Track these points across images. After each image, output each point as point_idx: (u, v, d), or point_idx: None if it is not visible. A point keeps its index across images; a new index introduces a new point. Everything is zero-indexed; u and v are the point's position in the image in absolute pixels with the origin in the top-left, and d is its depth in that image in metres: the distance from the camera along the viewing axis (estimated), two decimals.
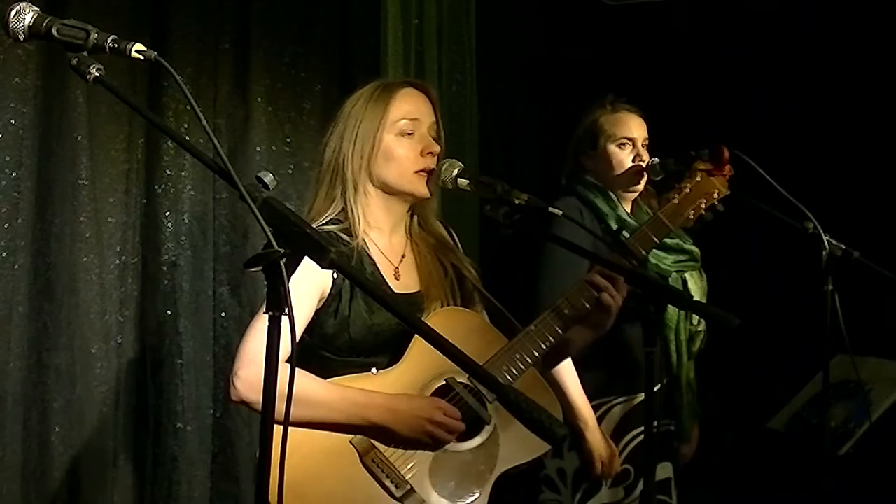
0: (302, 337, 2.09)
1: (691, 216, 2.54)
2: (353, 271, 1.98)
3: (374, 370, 2.12)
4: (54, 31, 1.50)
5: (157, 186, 2.88)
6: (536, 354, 2.14)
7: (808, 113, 3.89)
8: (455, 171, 2.18)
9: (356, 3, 3.40)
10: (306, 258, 1.48)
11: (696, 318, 2.93)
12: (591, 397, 2.78)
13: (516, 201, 2.07)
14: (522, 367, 2.13)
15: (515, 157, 4.05)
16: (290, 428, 1.57)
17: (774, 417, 3.09)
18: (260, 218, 1.43)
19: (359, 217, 2.16)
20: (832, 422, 2.83)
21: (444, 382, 2.13)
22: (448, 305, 2.24)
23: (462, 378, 2.13)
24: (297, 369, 1.57)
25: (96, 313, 2.72)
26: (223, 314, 2.99)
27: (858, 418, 2.87)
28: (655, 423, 2.15)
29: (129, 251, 2.84)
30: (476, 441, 2.13)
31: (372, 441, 2.06)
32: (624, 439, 2.85)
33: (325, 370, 2.10)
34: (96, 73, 1.48)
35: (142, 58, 1.49)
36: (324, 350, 2.14)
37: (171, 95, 2.88)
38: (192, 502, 2.87)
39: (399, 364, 2.13)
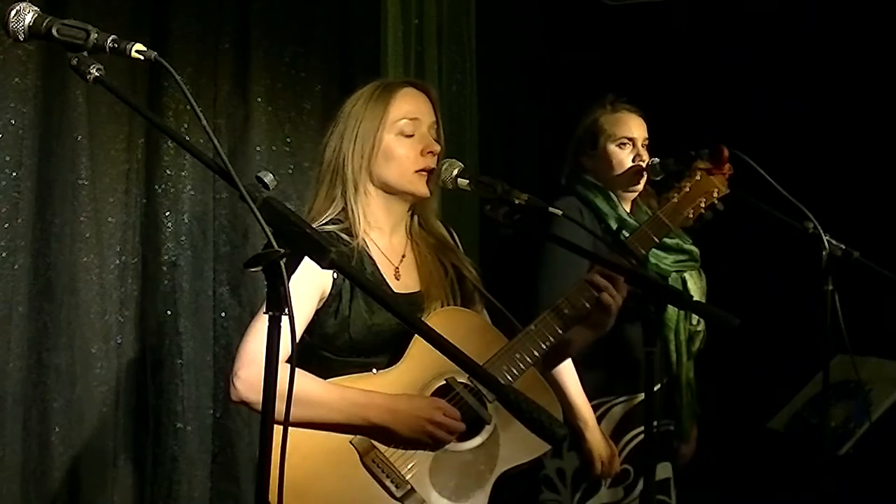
0: (302, 337, 2.09)
1: (691, 215, 2.54)
2: (354, 271, 1.98)
3: (374, 370, 2.12)
4: (54, 31, 1.50)
5: (157, 186, 2.88)
6: (536, 354, 2.14)
7: (808, 113, 3.89)
8: (455, 171, 2.18)
9: (356, 3, 3.40)
10: (306, 258, 1.48)
11: (695, 318, 2.94)
12: (591, 397, 2.78)
13: (516, 201, 2.07)
14: (522, 366, 2.13)
15: (515, 157, 4.05)
16: (290, 428, 1.57)
17: (774, 417, 3.09)
18: (260, 218, 1.43)
19: (359, 217, 2.16)
20: (832, 422, 2.83)
21: (445, 382, 2.13)
22: (448, 305, 2.24)
23: (462, 378, 2.13)
24: (297, 369, 1.57)
25: (96, 313, 2.72)
26: (223, 314, 2.99)
27: (858, 418, 2.87)
28: (655, 423, 2.15)
29: (129, 251, 2.84)
30: (476, 441, 2.13)
31: (372, 441, 2.06)
32: (623, 439, 2.85)
33: (325, 370, 2.10)
34: (96, 73, 1.48)
35: (142, 58, 1.49)
36: (324, 350, 2.14)
37: (171, 95, 2.88)
38: (192, 502, 2.87)
39: (399, 364, 2.13)
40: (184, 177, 2.92)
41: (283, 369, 1.47)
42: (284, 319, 1.46)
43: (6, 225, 2.53)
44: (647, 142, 2.93)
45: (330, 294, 2.11)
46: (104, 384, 2.75)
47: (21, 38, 1.52)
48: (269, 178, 1.50)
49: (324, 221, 2.16)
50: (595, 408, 2.80)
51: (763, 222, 2.77)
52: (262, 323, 1.91)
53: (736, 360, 3.70)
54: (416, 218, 2.30)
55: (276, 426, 1.49)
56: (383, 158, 2.18)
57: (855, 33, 3.88)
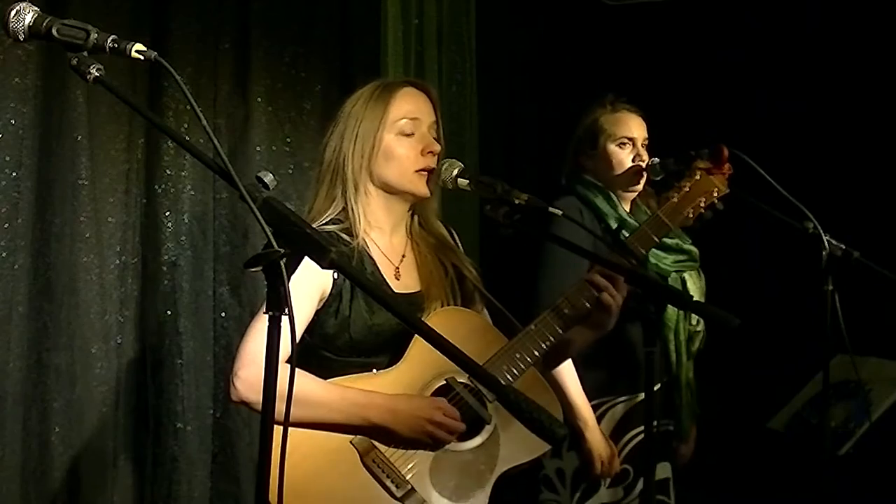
0: (302, 337, 2.09)
1: (691, 215, 2.54)
2: (354, 271, 1.98)
3: (374, 370, 2.12)
4: (54, 31, 1.50)
5: (157, 186, 2.88)
6: (537, 354, 2.14)
7: (808, 113, 3.89)
8: (455, 171, 2.18)
9: (356, 3, 3.40)
10: (306, 258, 1.48)
11: (695, 318, 2.94)
12: (592, 397, 2.79)
13: (516, 201, 2.07)
14: (523, 366, 2.12)
15: (515, 157, 4.05)
16: (290, 428, 1.57)
17: (774, 417, 3.09)
18: (260, 218, 1.43)
19: (359, 217, 2.16)
20: (832, 422, 2.83)
21: (445, 382, 2.13)
22: (448, 305, 2.24)
23: (462, 378, 2.13)
24: (297, 369, 1.57)
25: (96, 313, 2.72)
26: (223, 314, 2.99)
27: (858, 418, 2.87)
28: (655, 423, 2.15)
29: (129, 251, 2.84)
30: (476, 441, 2.13)
31: (372, 441, 2.06)
32: (623, 439, 2.86)
33: (325, 370, 2.10)
34: (96, 73, 1.48)
35: (142, 58, 1.49)
36: (324, 350, 2.14)
37: (171, 95, 2.88)
38: (192, 502, 2.87)
39: (399, 364, 2.13)
40: (184, 177, 2.92)
41: (283, 369, 1.47)
42: (284, 319, 1.46)
43: (6, 225, 2.53)
44: (647, 142, 2.93)
45: (330, 294, 2.11)
46: (104, 384, 2.75)
47: (21, 38, 1.52)
48: (269, 178, 1.50)
49: (324, 221, 2.16)
50: (596, 407, 2.80)
51: (763, 222, 2.77)
52: (262, 323, 1.90)
53: (736, 360, 3.70)
54: (416, 218, 2.30)
55: (276, 426, 1.49)
56: (383, 158, 2.18)
57: (855, 33, 3.88)
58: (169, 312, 2.88)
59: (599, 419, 2.81)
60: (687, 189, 2.55)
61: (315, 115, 3.19)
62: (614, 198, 2.90)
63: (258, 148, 3.07)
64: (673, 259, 2.87)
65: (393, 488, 2.04)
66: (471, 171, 2.21)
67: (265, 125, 3.10)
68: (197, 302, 2.93)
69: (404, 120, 2.19)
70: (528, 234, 2.28)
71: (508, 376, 2.10)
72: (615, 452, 2.80)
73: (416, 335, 2.07)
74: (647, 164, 2.87)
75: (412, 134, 2.19)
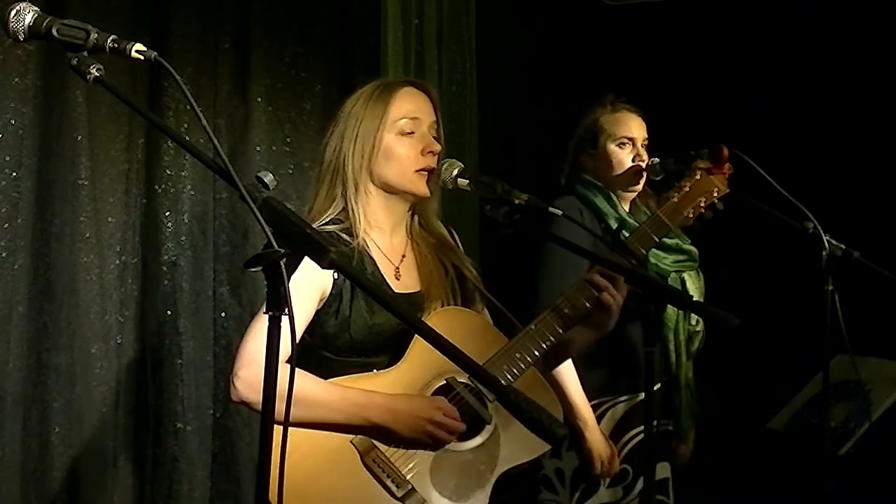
0: (302, 337, 2.09)
1: (691, 215, 2.54)
2: (354, 271, 1.98)
3: (374, 370, 2.12)
4: (54, 31, 1.50)
5: (157, 186, 2.88)
6: (537, 354, 2.14)
7: (808, 113, 3.89)
8: (455, 171, 2.18)
9: (356, 3, 3.40)
10: (306, 258, 1.48)
11: (694, 319, 2.94)
12: (592, 397, 2.79)
13: (516, 201, 2.07)
14: (523, 366, 2.12)
15: (515, 157, 4.05)
16: (290, 428, 1.57)
17: (774, 417, 3.09)
18: (260, 218, 1.43)
19: (359, 217, 2.16)
20: (832, 422, 2.83)
21: (445, 382, 2.13)
22: (448, 305, 2.24)
23: (462, 378, 2.13)
24: (297, 369, 1.57)
25: (96, 313, 2.72)
26: (223, 314, 2.99)
27: (858, 418, 2.87)
28: (654, 423, 2.15)
29: (129, 251, 2.84)
30: (477, 441, 2.13)
31: (373, 441, 2.06)
32: (623, 439, 2.86)
33: (325, 370, 2.10)
34: (96, 73, 1.48)
35: (142, 58, 1.49)
36: (324, 350, 2.14)
37: (171, 95, 2.88)
38: (192, 502, 2.87)
39: (399, 364, 2.13)
40: (184, 177, 2.92)
41: (284, 369, 1.47)
42: (284, 319, 1.46)
43: (6, 225, 2.53)
44: (646, 142, 2.93)
45: (330, 294, 2.11)
46: (104, 384, 2.75)
47: (21, 38, 1.52)
48: (269, 178, 1.50)
49: (324, 221, 2.16)
50: (596, 407, 2.80)
51: (763, 222, 2.77)
52: (262, 323, 1.90)
53: (736, 360, 3.70)
54: (416, 218, 2.30)
55: (276, 426, 1.49)
56: (383, 158, 2.18)
57: (855, 33, 3.88)
58: (169, 312, 2.88)
59: (599, 419, 2.81)
60: (687, 189, 2.55)
61: (315, 115, 3.19)
62: (614, 198, 2.90)
63: (258, 148, 3.07)
64: (673, 259, 2.88)
65: (393, 488, 2.04)
66: (471, 171, 2.21)
67: (265, 125, 3.10)
68: (197, 302, 2.93)
69: (404, 120, 2.19)
70: (528, 234, 2.28)
71: (508, 376, 2.10)
72: (615, 452, 2.80)
73: (416, 335, 2.07)
74: (647, 164, 2.87)
75: (412, 134, 2.19)
